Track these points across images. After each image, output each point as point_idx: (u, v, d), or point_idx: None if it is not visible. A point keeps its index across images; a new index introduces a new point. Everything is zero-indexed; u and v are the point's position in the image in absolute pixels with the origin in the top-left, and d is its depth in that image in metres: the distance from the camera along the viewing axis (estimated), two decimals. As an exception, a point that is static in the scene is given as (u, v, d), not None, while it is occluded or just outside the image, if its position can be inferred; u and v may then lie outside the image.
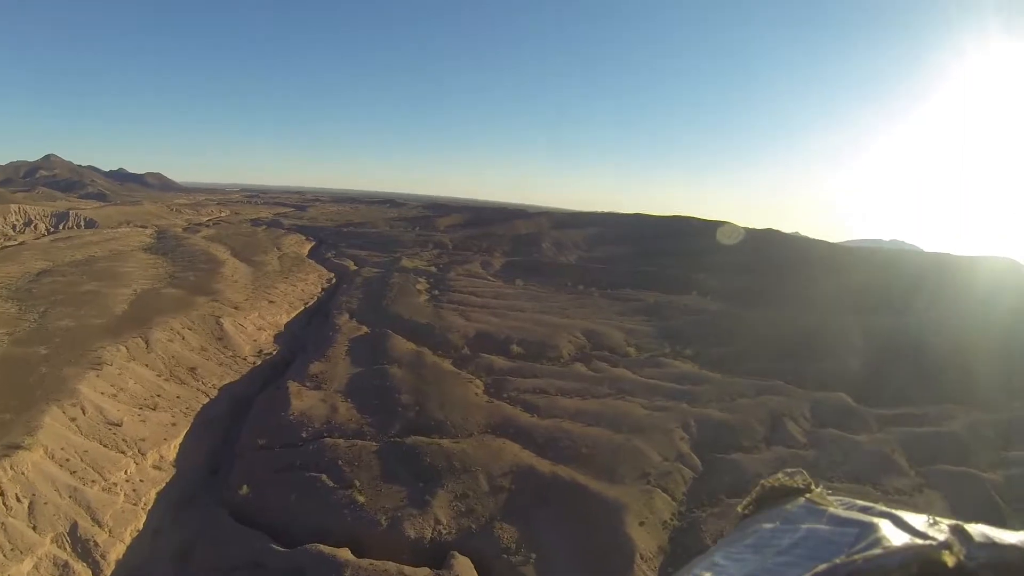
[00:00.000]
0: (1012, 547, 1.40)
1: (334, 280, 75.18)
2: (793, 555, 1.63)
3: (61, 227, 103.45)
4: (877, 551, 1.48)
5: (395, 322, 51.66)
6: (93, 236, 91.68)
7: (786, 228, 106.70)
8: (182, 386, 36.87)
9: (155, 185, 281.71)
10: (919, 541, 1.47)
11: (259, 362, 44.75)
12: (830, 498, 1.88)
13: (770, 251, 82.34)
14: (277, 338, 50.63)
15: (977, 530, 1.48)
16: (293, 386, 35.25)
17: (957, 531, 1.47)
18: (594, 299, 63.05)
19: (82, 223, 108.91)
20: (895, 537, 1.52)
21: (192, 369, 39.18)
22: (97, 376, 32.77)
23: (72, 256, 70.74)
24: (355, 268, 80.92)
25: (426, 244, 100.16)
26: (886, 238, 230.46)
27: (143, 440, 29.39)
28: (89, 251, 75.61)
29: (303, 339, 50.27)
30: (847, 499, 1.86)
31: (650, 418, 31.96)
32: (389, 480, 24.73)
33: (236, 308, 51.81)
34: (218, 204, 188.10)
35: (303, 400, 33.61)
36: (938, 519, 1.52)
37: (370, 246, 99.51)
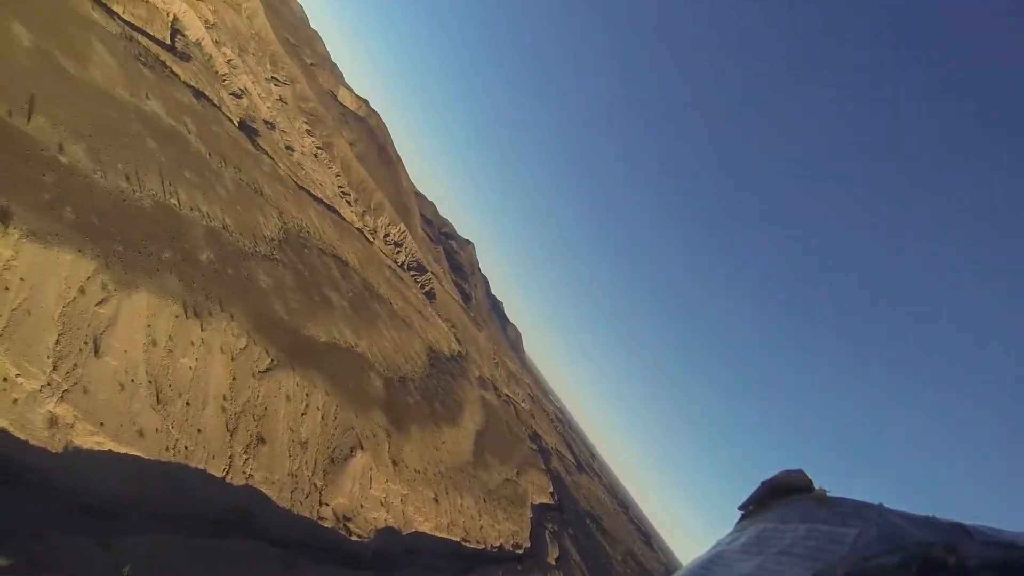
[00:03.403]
0: (1012, 547, 1.74)
1: (522, 550, 64.78)
2: (793, 554, 2.05)
3: (405, 267, 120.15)
4: (877, 550, 1.82)
5: None
6: (411, 293, 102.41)
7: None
8: (223, 442, 28.19)
9: (510, 336, 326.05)
10: (919, 540, 1.81)
11: (322, 523, 33.98)
12: (830, 497, 2.37)
13: None
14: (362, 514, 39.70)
15: (977, 529, 1.84)
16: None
17: (957, 530, 1.84)
18: None
19: (423, 291, 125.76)
20: (894, 536, 1.87)
21: (260, 439, 30.76)
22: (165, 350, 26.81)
23: (368, 274, 77.20)
24: (555, 559, 73.81)
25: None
26: None
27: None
28: (389, 294, 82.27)
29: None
30: (847, 498, 2.30)
31: None
32: None
33: (394, 464, 43.63)
34: (529, 394, 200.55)
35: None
36: (937, 518, 1.94)
37: (593, 557, 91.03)
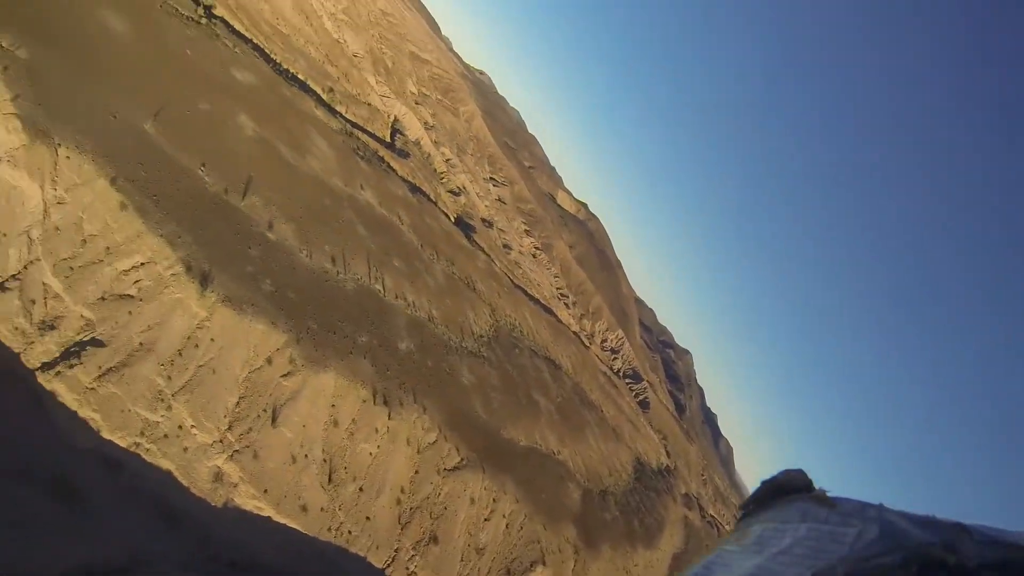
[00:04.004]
0: (1012, 546, 1.77)
1: None
2: (793, 554, 2.10)
3: (621, 374, 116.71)
4: (877, 550, 1.87)
5: None
6: (624, 401, 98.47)
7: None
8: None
9: (721, 451, 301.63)
10: (919, 540, 1.85)
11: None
12: (830, 497, 2.41)
13: None
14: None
15: (977, 529, 1.86)
16: None
17: (957, 530, 1.85)
18: None
19: (637, 400, 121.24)
20: (895, 536, 1.92)
21: (432, 538, 28.63)
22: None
23: (582, 379, 74.99)
24: None
25: None
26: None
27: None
28: (602, 401, 79.32)
29: None
30: (847, 498, 2.37)
31: None
32: None
33: None
34: (735, 516, 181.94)
35: None
36: (937, 518, 1.96)
37: None
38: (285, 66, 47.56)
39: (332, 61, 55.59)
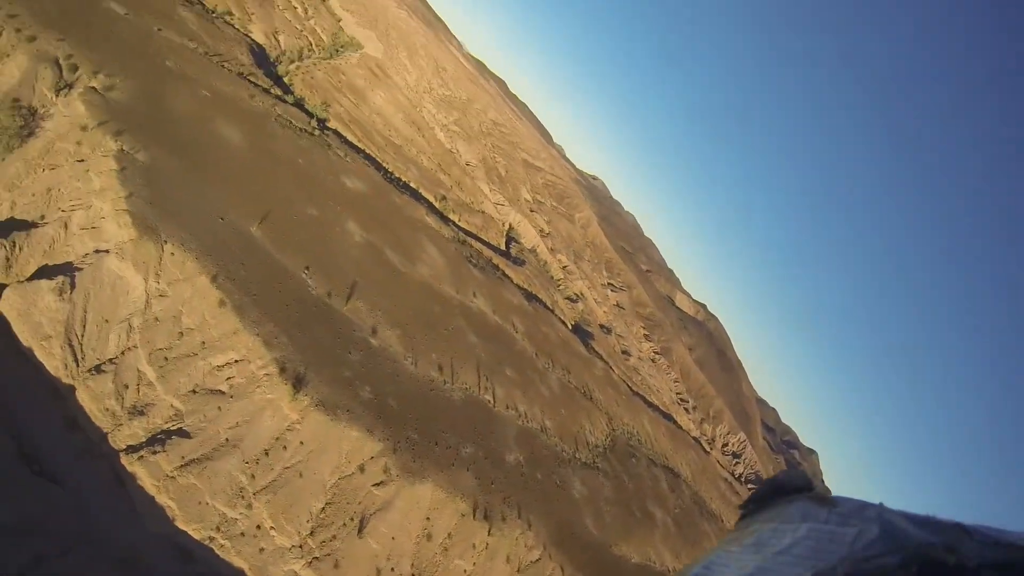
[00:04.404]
0: (1012, 546, 1.78)
1: None
2: (792, 554, 2.11)
3: (743, 479, 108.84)
4: (877, 550, 1.88)
5: None
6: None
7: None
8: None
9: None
10: (919, 540, 1.86)
11: None
12: (830, 497, 2.37)
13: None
14: None
15: (977, 529, 1.88)
16: None
17: (957, 530, 1.87)
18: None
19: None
20: (895, 536, 1.92)
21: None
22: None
23: (701, 487, 70.10)
24: None
25: None
26: None
27: None
28: (722, 511, 74.12)
29: None
30: (847, 498, 2.34)
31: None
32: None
33: None
34: None
35: None
36: (937, 518, 1.97)
37: None
38: (397, 175, 48.71)
39: (444, 170, 56.80)
